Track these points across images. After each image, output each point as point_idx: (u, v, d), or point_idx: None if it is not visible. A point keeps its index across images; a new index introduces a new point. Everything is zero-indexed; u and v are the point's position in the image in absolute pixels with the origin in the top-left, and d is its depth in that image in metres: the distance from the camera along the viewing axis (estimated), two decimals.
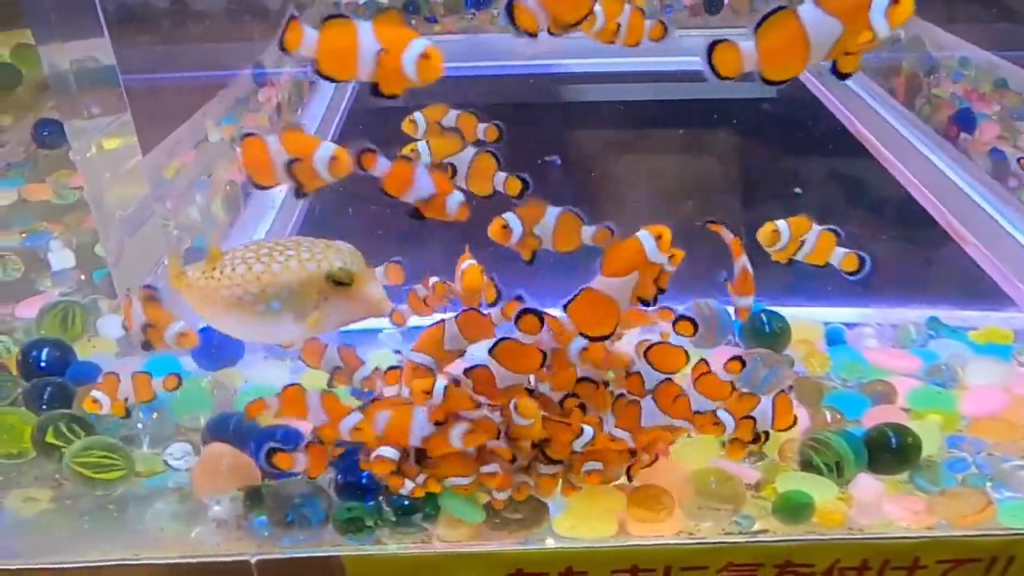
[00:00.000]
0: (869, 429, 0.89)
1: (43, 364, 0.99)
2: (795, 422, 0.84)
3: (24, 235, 1.35)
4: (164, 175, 1.29)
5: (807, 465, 0.87)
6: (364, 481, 0.84)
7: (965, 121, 1.66)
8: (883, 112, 1.91)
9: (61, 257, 1.26)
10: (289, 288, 0.74)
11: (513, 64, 2.37)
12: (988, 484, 0.85)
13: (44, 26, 1.03)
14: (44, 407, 0.94)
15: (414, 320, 0.93)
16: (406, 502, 0.82)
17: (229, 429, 0.90)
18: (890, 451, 0.86)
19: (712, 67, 0.65)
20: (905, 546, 0.82)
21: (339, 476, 0.85)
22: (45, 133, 1.59)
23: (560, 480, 0.82)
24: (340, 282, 0.75)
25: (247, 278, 0.74)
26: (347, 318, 0.78)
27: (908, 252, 1.54)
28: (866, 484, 0.85)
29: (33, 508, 0.87)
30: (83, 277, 1.23)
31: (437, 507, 0.83)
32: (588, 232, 0.81)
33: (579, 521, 0.83)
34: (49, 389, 0.95)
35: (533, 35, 0.69)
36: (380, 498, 0.83)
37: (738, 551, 0.82)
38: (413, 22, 2.42)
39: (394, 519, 0.81)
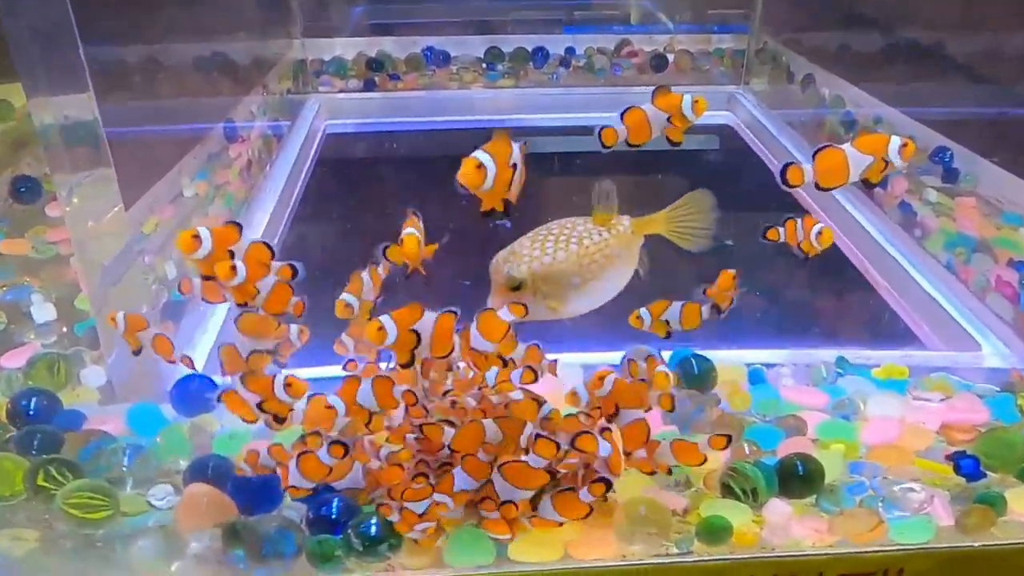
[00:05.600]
0: (781, 459, 1.01)
1: (32, 412, 1.07)
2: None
3: (5, 288, 1.40)
4: (143, 230, 1.37)
5: (727, 492, 0.98)
6: (334, 515, 0.93)
7: None
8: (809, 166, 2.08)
9: (43, 310, 1.32)
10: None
11: (472, 119, 2.52)
12: (880, 505, 0.97)
13: (32, 80, 1.08)
14: (34, 452, 1.01)
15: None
16: (372, 533, 0.91)
17: (208, 471, 0.98)
18: (798, 478, 0.98)
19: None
20: (810, 562, 0.94)
21: (311, 511, 0.94)
22: (22, 189, 1.64)
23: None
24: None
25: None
26: None
27: (831, 297, 1.70)
28: (777, 508, 0.97)
29: (22, 547, 0.94)
30: (64, 329, 1.30)
31: (400, 538, 0.92)
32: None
33: (529, 547, 0.93)
34: (39, 436, 1.02)
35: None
36: (348, 531, 0.92)
37: (668, 571, 0.93)
38: (377, 79, 2.55)
39: (360, 549, 0.90)
